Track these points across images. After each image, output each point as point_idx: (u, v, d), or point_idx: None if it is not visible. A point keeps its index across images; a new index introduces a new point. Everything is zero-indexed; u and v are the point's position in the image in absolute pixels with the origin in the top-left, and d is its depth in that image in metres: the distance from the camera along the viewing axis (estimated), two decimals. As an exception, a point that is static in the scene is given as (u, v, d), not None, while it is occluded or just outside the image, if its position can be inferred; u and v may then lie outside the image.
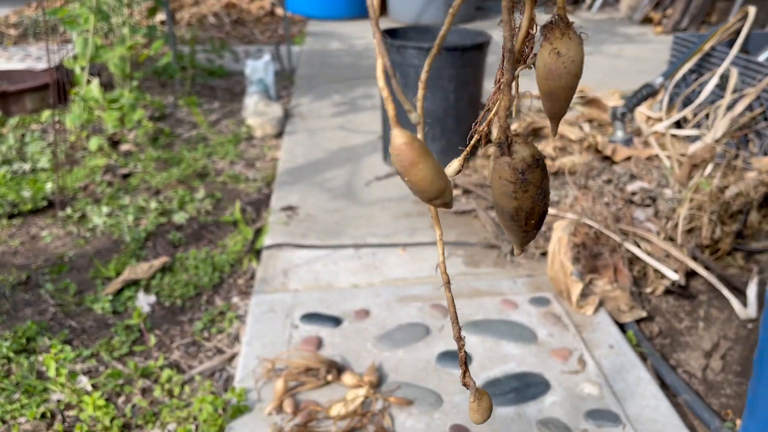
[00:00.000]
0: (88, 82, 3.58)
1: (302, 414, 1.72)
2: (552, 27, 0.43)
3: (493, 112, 0.53)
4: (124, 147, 3.67)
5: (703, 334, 2.23)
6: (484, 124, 0.55)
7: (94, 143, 3.44)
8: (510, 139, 0.43)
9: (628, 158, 2.78)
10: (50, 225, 2.85)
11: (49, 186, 3.08)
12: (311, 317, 2.16)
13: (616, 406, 1.73)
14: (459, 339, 0.50)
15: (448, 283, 0.56)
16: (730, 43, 3.15)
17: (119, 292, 2.37)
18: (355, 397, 1.76)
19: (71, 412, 1.83)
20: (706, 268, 2.42)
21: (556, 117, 0.47)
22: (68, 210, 2.93)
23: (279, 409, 1.77)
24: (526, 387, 1.80)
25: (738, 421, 1.80)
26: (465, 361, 0.53)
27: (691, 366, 2.08)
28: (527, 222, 0.44)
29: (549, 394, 1.79)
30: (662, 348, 2.14)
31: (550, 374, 1.86)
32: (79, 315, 2.26)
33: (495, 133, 0.45)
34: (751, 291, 2.35)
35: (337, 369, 1.87)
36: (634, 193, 2.56)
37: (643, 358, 2.02)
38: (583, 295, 2.16)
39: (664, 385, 1.91)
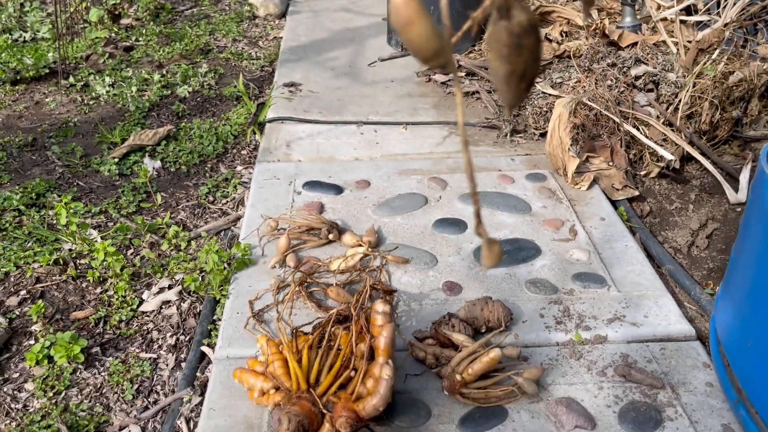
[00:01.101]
0: (86, -51, 3.47)
1: (304, 267, 1.81)
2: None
3: None
4: (124, 21, 3.61)
5: (692, 215, 2.30)
6: (479, 10, 0.54)
7: (94, 14, 3.38)
8: (509, 3, 0.43)
9: (635, 44, 2.75)
10: (53, 92, 2.85)
11: (50, 55, 3.05)
12: (313, 185, 2.21)
13: (602, 271, 1.82)
14: (475, 194, 0.51)
15: (466, 143, 0.57)
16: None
17: (125, 156, 2.42)
18: (354, 254, 1.84)
19: (83, 261, 1.92)
20: (702, 153, 2.46)
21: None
22: (71, 79, 2.92)
23: (282, 263, 1.86)
24: (517, 251, 1.88)
25: (717, 289, 1.90)
26: (479, 213, 0.55)
27: (678, 242, 2.16)
28: (519, 84, 0.45)
29: (539, 259, 1.87)
30: (651, 226, 2.21)
31: (542, 241, 1.94)
32: (86, 176, 2.32)
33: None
34: (744, 177, 2.39)
35: (338, 230, 1.94)
36: (637, 77, 2.56)
37: (632, 232, 2.09)
38: (579, 172, 2.21)
39: (650, 257, 2.00)
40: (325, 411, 1.28)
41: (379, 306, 1.38)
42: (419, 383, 1.48)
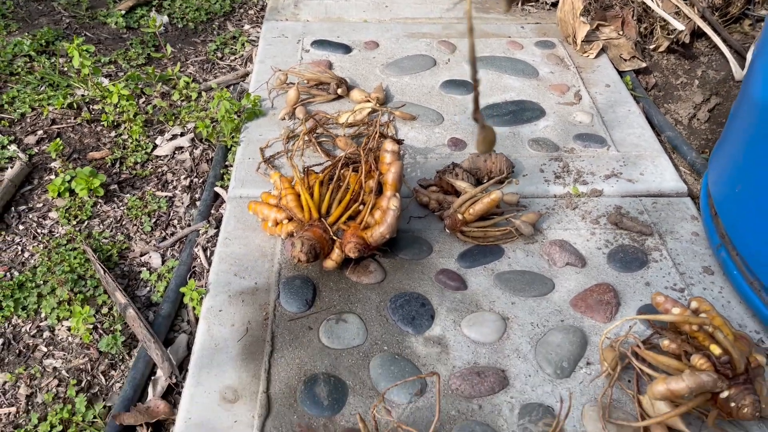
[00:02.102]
0: None
1: (313, 120, 1.85)
2: None
3: None
4: None
5: (697, 90, 2.32)
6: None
7: None
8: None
9: None
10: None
11: None
12: (322, 43, 2.21)
13: (603, 132, 1.87)
14: (475, 80, 0.55)
15: (471, 29, 0.60)
16: None
17: (131, 10, 2.39)
18: (362, 109, 1.88)
19: (96, 107, 1.95)
20: (713, 29, 2.44)
21: None
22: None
23: (291, 115, 1.90)
24: (522, 111, 1.92)
25: (712, 157, 1.96)
26: (477, 98, 0.58)
27: (680, 114, 2.19)
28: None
29: (543, 120, 1.91)
30: (655, 98, 2.24)
31: (547, 104, 1.97)
32: (94, 27, 2.31)
33: None
34: (751, 55, 2.39)
35: (347, 85, 1.97)
36: (656, -52, 2.49)
37: (636, 101, 2.12)
38: (588, 40, 2.21)
39: (651, 125, 2.04)
40: (335, 237, 1.37)
41: (388, 145, 1.44)
42: (422, 224, 1.56)
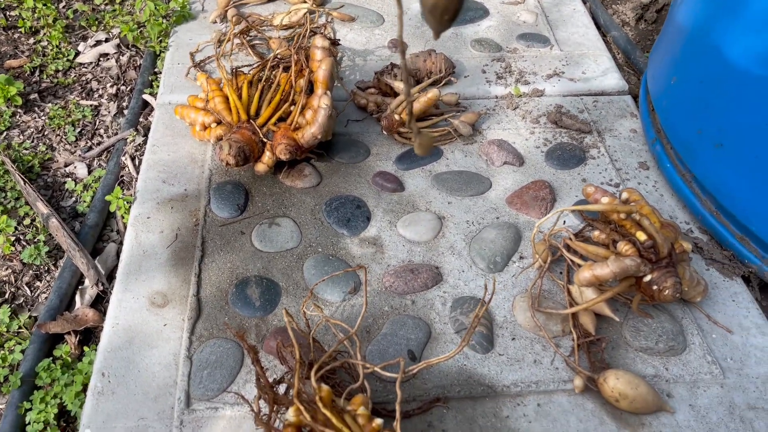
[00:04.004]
0: None
1: (246, 22, 1.76)
2: None
3: None
4: None
5: (645, -9, 2.27)
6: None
7: None
8: None
9: None
10: None
11: None
12: (256, -58, 2.08)
13: (547, 32, 1.82)
14: (408, 95, 0.52)
15: (404, 52, 0.55)
16: None
17: None
18: (298, 10, 1.79)
19: (12, 13, 1.82)
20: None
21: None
22: None
23: (223, 18, 1.80)
24: (465, 11, 1.86)
25: (656, 56, 1.93)
26: (411, 111, 0.57)
27: (627, 16, 2.15)
28: (442, 16, 0.49)
29: (486, 20, 1.85)
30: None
31: (490, 3, 1.91)
32: (7, -73, 2.12)
33: None
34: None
35: (282, -14, 1.87)
36: None
37: (583, 1, 2.07)
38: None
39: (597, 26, 2.00)
40: (265, 140, 1.32)
41: (318, 41, 1.37)
42: (360, 128, 1.52)
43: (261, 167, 1.34)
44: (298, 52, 1.41)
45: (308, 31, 1.51)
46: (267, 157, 1.33)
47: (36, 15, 1.76)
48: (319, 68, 1.34)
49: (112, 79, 1.69)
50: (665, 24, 1.49)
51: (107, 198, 1.35)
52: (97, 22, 1.81)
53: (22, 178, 1.36)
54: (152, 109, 1.60)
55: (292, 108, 1.36)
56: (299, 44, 1.45)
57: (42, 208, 1.31)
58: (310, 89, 1.38)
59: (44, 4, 1.73)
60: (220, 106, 1.37)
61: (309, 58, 1.40)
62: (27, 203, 1.35)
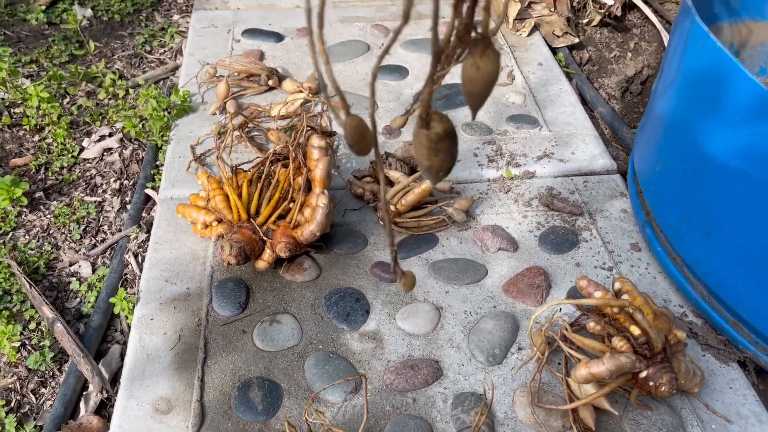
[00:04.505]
0: None
1: (244, 113, 1.82)
2: (475, 44, 0.51)
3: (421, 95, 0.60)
4: None
5: (630, 63, 2.35)
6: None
7: None
8: (429, 116, 0.50)
9: None
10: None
11: None
12: (253, 32, 2.17)
13: (536, 112, 1.88)
14: (392, 245, 0.59)
15: (387, 205, 0.63)
16: None
17: (52, 4, 2.30)
18: (295, 100, 1.85)
19: (17, 110, 1.88)
20: (644, 1, 2.47)
21: (474, 108, 0.57)
22: None
23: (222, 109, 1.86)
24: (455, 95, 1.92)
25: (643, 131, 1.99)
26: (396, 258, 0.64)
27: (613, 89, 2.22)
28: (437, 174, 0.55)
29: (477, 102, 1.92)
30: (589, 73, 2.26)
31: (480, 86, 1.98)
32: (13, 25, 2.21)
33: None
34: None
35: (278, 76, 1.94)
36: None
37: (570, 77, 2.14)
38: (520, 18, 2.21)
39: (584, 102, 2.07)
40: (265, 238, 1.36)
41: (315, 140, 1.42)
42: (357, 217, 1.56)
43: (261, 264, 1.37)
44: (296, 150, 1.46)
45: (305, 129, 1.56)
46: (267, 254, 1.36)
47: (41, 112, 1.82)
48: (317, 167, 1.38)
49: (116, 173, 1.74)
50: (648, 107, 1.55)
51: (111, 300, 1.37)
52: (101, 117, 1.87)
53: (27, 281, 1.39)
54: (154, 203, 1.65)
55: (291, 205, 1.41)
56: (297, 141, 1.50)
57: (47, 312, 1.33)
58: (308, 186, 1.43)
59: (49, 102, 1.79)
60: (220, 204, 1.41)
61: (306, 155, 1.45)
62: (33, 306, 1.38)
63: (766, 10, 1.73)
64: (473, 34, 0.59)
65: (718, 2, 1.66)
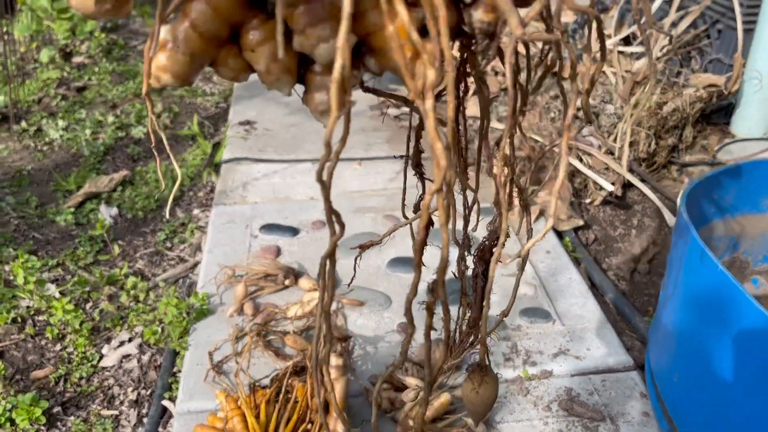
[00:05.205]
0: (35, -10, 3.46)
1: (261, 315, 1.86)
2: (474, 372, 0.63)
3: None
4: (76, 59, 3.61)
5: (635, 241, 2.42)
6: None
7: (45, 55, 3.38)
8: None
9: (576, 74, 2.88)
10: (5, 139, 2.85)
11: (1, 99, 3.04)
12: (270, 227, 2.27)
13: (548, 305, 1.91)
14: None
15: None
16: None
17: (81, 204, 2.44)
18: (311, 299, 1.90)
19: (41, 317, 1.93)
20: (642, 180, 2.58)
21: (476, 421, 0.71)
22: (23, 124, 2.92)
23: (240, 311, 1.90)
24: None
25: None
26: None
27: (621, 269, 2.27)
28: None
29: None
30: (596, 254, 2.32)
31: (491, 277, 2.03)
32: (43, 227, 2.33)
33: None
34: (680, 201, 2.53)
35: (295, 274, 2.00)
36: (579, 109, 2.68)
37: (578, 262, 2.20)
38: (525, 206, 2.30)
39: (594, 286, 2.10)
40: (283, 466, 1.33)
41: (332, 360, 1.44)
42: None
43: (279, 493, 1.34)
44: (313, 366, 1.47)
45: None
46: (285, 483, 1.33)
47: (64, 320, 1.87)
48: (334, 389, 1.39)
49: (133, 382, 1.75)
50: (656, 314, 1.57)
51: None
52: (121, 322, 1.91)
53: None
54: (171, 416, 1.64)
55: (309, 426, 1.40)
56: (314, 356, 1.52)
57: None
58: (326, 406, 1.43)
59: (72, 312, 1.85)
60: (238, 426, 1.40)
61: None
62: None
63: (762, 204, 1.80)
64: (473, 365, 0.66)
65: (711, 203, 1.74)
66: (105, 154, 2.76)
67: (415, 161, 0.80)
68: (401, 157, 0.66)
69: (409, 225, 0.79)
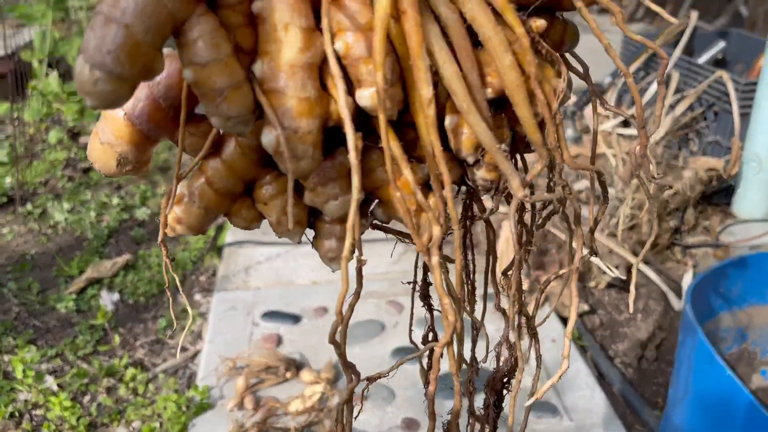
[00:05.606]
0: (47, 74, 3.56)
1: (262, 410, 1.82)
2: None
3: None
4: (84, 140, 3.67)
5: (641, 325, 2.39)
6: None
7: (53, 136, 3.44)
8: None
9: (576, 156, 2.91)
10: (11, 222, 2.86)
11: (8, 181, 3.08)
12: (271, 315, 2.24)
13: (555, 399, 1.87)
14: None
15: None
16: (676, 44, 3.30)
17: (83, 290, 2.42)
18: (312, 393, 1.86)
19: (38, 411, 1.89)
20: (645, 262, 2.58)
21: None
22: (29, 206, 2.94)
23: (240, 405, 1.86)
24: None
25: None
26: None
27: (628, 356, 2.23)
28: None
29: (494, 387, 1.92)
30: (602, 339, 2.29)
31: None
32: (43, 314, 2.31)
33: None
34: (685, 283, 2.52)
35: (296, 366, 1.97)
36: (580, 191, 2.70)
37: (584, 350, 2.16)
38: (530, 291, 2.29)
39: (601, 376, 2.06)
40: None
41: (335, 467, 1.40)
42: None
43: None
44: (315, 472, 1.43)
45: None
46: None
47: (61, 417, 1.83)
48: (337, 500, 1.34)
49: (129, 483, 1.69)
50: (666, 413, 1.54)
51: None
52: (119, 417, 1.87)
53: None
54: None
55: None
56: (315, 461, 1.48)
57: None
58: None
59: (69, 408, 1.81)
60: None
61: (325, 479, 1.42)
62: None
63: (768, 296, 1.79)
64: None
65: (718, 295, 1.73)
66: (109, 237, 2.77)
67: (423, 293, 0.80)
68: (402, 240, 0.65)
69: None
